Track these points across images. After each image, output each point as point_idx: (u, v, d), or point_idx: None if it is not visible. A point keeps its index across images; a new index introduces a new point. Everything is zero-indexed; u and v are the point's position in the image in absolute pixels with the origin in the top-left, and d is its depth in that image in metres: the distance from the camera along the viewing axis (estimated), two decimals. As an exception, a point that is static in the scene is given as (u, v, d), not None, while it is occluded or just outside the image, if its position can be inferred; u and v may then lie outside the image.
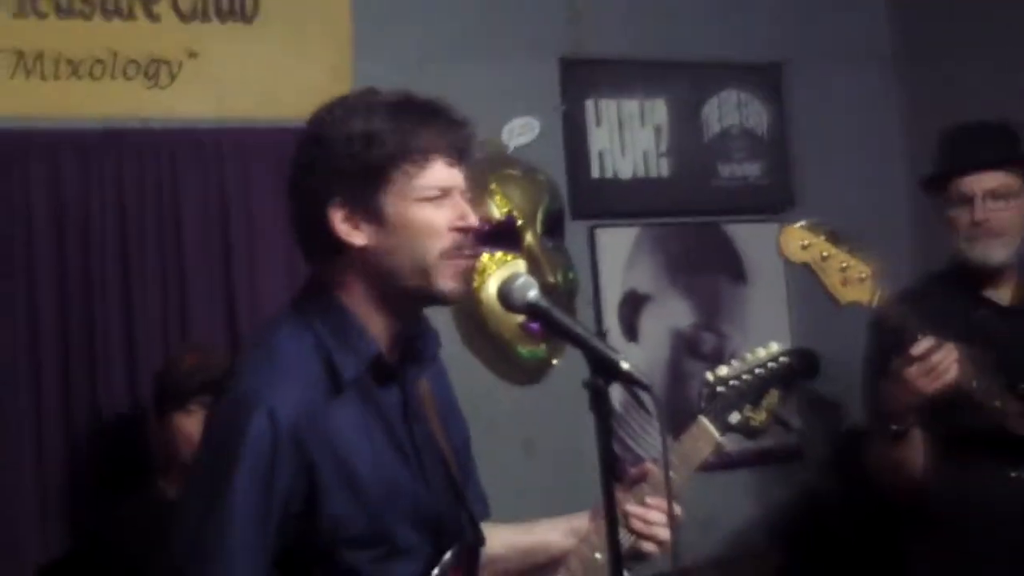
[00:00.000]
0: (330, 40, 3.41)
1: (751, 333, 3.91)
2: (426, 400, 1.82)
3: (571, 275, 3.64)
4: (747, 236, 4.01)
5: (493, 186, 3.51)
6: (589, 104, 3.84)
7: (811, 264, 2.47)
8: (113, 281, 3.09)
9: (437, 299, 1.73)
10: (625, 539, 1.82)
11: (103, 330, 3.06)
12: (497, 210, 3.50)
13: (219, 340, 3.13)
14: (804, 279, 2.56)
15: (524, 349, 3.57)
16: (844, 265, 2.45)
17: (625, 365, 1.58)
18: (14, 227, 3.01)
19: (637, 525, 1.86)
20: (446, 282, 1.70)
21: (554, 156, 3.75)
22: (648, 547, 1.87)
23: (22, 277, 3.01)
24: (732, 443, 2.00)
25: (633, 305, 3.84)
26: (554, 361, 3.60)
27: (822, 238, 2.47)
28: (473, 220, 1.73)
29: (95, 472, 3.01)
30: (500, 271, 3.44)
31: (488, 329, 3.50)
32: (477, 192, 3.32)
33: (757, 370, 2.02)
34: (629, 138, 3.90)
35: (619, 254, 3.83)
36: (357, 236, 1.69)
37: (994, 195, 2.64)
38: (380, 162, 1.68)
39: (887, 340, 2.57)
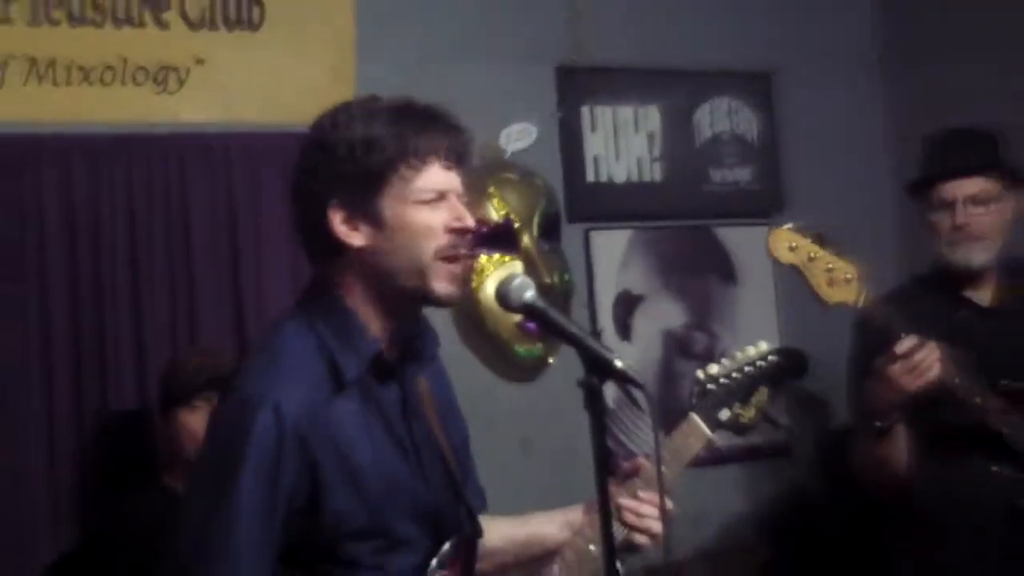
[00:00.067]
0: (333, 46, 3.42)
1: (741, 333, 3.91)
2: (425, 398, 1.83)
3: (567, 276, 3.65)
4: (737, 239, 4.02)
5: (491, 189, 3.52)
6: (585, 110, 3.85)
7: (798, 265, 2.48)
8: (123, 285, 3.08)
9: (432, 300, 1.73)
10: (618, 532, 1.82)
11: (113, 334, 3.05)
12: (495, 213, 3.50)
13: (227, 342, 3.13)
14: (792, 281, 2.56)
15: (521, 348, 3.57)
16: (830, 266, 2.46)
17: (619, 364, 1.58)
18: (26, 231, 3.00)
19: (630, 518, 1.86)
20: (440, 284, 1.71)
21: (551, 161, 3.76)
22: (640, 539, 1.87)
23: (34, 281, 3.01)
24: (722, 439, 2.00)
25: (627, 305, 3.85)
26: (550, 359, 3.60)
27: (809, 240, 2.48)
28: (469, 221, 1.73)
29: (104, 472, 3.00)
30: (498, 272, 3.44)
31: (486, 328, 3.51)
32: (475, 195, 3.33)
33: (746, 369, 2.03)
34: (623, 144, 3.90)
35: (613, 256, 3.84)
36: (356, 237, 1.70)
37: (975, 200, 2.64)
38: (379, 166, 1.69)
39: (872, 340, 2.57)
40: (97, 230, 3.07)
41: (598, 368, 1.59)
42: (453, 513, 1.81)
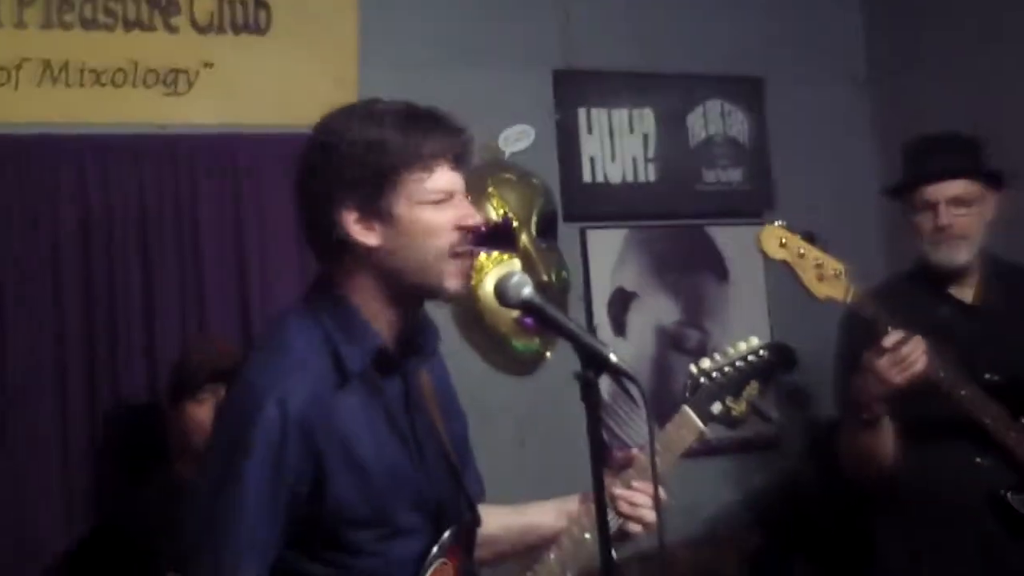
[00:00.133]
0: (337, 50, 3.42)
1: (732, 329, 3.91)
2: (427, 391, 1.83)
3: (563, 274, 3.65)
4: (729, 238, 4.02)
5: (490, 189, 3.52)
6: (581, 113, 3.85)
7: (788, 261, 2.48)
8: (134, 284, 3.08)
9: (439, 294, 1.74)
10: (613, 521, 1.83)
11: (125, 332, 3.05)
12: (494, 212, 3.51)
13: (233, 337, 3.12)
14: (782, 279, 2.57)
15: (519, 343, 3.57)
16: (819, 262, 2.47)
17: (614, 358, 1.59)
18: (39, 230, 3.00)
19: (624, 508, 1.87)
20: (451, 280, 1.72)
21: (548, 161, 3.76)
22: (634, 528, 1.88)
23: (48, 280, 3.00)
24: (714, 432, 2.00)
25: (622, 302, 3.85)
26: (547, 354, 3.61)
27: (799, 237, 2.48)
28: (477, 219, 1.75)
29: (117, 465, 3.00)
30: (497, 270, 3.45)
31: (485, 324, 3.51)
32: (475, 195, 3.33)
33: (738, 363, 2.03)
34: (619, 145, 3.91)
35: (609, 254, 3.85)
36: (371, 237, 1.70)
37: (957, 202, 2.65)
38: (390, 168, 1.69)
39: (859, 334, 2.57)
40: (110, 228, 3.07)
41: (594, 362, 1.59)
42: (453, 503, 1.81)
